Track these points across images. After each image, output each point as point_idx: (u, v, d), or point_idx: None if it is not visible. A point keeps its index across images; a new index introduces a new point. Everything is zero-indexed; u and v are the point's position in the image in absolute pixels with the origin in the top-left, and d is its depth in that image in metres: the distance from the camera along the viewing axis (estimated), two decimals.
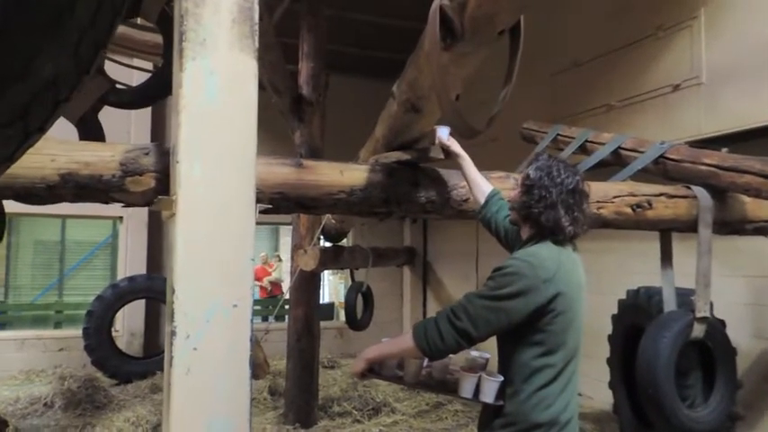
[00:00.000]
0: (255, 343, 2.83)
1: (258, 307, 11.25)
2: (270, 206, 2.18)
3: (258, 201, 1.91)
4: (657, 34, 5.31)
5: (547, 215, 1.89)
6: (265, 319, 10.41)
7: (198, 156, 1.74)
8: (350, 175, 2.47)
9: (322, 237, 5.29)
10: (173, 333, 1.70)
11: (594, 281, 6.04)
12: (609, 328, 4.88)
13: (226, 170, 1.78)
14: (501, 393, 1.96)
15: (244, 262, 1.81)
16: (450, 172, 2.74)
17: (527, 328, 1.85)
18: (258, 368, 2.89)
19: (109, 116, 4.19)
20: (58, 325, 9.33)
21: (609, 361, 4.89)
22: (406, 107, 2.07)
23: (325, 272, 12.96)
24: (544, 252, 1.89)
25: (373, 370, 2.10)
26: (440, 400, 6.21)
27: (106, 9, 0.58)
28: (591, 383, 6.06)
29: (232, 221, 1.79)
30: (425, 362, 2.14)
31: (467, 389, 2.06)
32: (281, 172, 2.35)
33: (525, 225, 2.00)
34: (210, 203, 1.76)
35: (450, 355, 2.04)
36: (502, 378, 1.95)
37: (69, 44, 0.58)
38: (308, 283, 5.46)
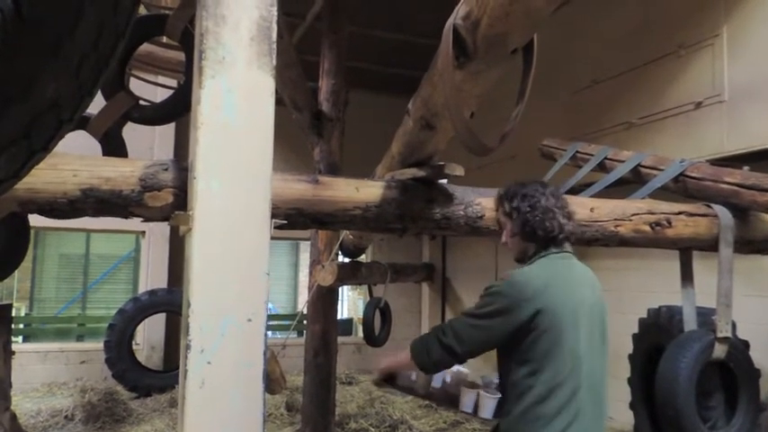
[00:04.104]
0: (272, 358, 2.85)
1: (276, 322, 11.31)
2: (285, 221, 2.21)
3: (274, 216, 1.94)
4: (679, 52, 5.29)
5: (548, 219, 1.97)
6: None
7: (215, 172, 1.78)
8: (365, 191, 2.49)
9: (340, 252, 5.31)
10: (187, 347, 1.73)
11: (615, 300, 6.04)
12: (629, 348, 4.81)
13: (242, 186, 1.81)
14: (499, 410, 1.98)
15: (259, 277, 1.83)
16: (465, 189, 2.75)
17: (515, 348, 1.89)
18: (275, 383, 2.88)
19: (133, 133, 4.29)
20: (80, 338, 9.48)
21: (630, 381, 4.81)
22: (420, 124, 2.08)
23: (345, 288, 13.02)
24: (534, 270, 1.95)
25: (388, 380, 2.23)
26: (458, 419, 6.13)
27: (108, 34, 0.61)
28: (612, 404, 5.92)
29: (247, 236, 1.82)
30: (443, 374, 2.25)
31: (467, 404, 2.14)
32: (298, 188, 2.38)
33: (528, 244, 2.05)
34: (226, 219, 1.79)
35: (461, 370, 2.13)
36: (499, 395, 2.01)
37: (70, 67, 0.60)
38: (325, 298, 5.46)
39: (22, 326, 9.98)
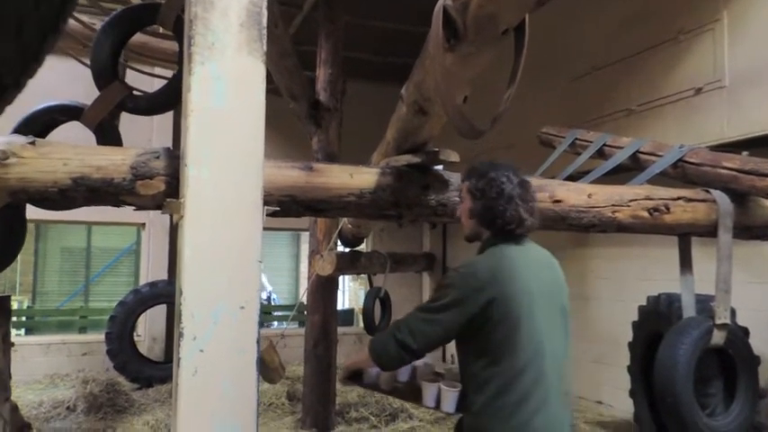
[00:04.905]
0: (271, 347, 2.84)
1: (280, 312, 11.33)
2: (277, 209, 2.20)
3: (267, 203, 1.93)
4: (678, 38, 5.24)
5: (510, 210, 1.90)
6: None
7: (205, 159, 1.76)
8: (359, 177, 2.48)
9: (339, 242, 5.30)
10: (180, 334, 1.72)
11: (615, 287, 6.04)
12: (629, 335, 4.80)
13: (233, 173, 1.79)
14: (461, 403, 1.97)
15: (251, 264, 1.82)
16: (461, 175, 2.73)
17: (471, 339, 1.86)
18: (274, 372, 2.88)
19: (131, 124, 4.27)
20: (82, 330, 9.50)
21: (629, 368, 4.80)
22: (413, 109, 2.07)
23: (345, 278, 13.02)
24: (485, 260, 1.92)
25: (352, 378, 2.25)
26: None
27: None
28: (611, 391, 5.97)
29: (239, 224, 1.81)
30: (407, 367, 2.30)
31: (428, 398, 2.21)
32: (291, 175, 2.36)
33: (483, 230, 2.00)
34: (218, 206, 1.78)
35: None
36: (459, 387, 1.97)
37: (8, 28, 0.58)
38: (324, 288, 5.47)
39: (24, 318, 10.01)
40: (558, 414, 1.83)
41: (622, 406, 5.50)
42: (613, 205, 3.03)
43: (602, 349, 6.16)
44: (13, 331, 8.72)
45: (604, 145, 4.25)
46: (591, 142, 4.38)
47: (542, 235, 6.65)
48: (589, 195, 3.00)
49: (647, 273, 5.60)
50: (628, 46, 5.76)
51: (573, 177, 3.56)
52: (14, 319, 9.32)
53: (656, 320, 4.40)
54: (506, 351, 1.79)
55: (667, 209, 3.15)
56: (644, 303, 4.68)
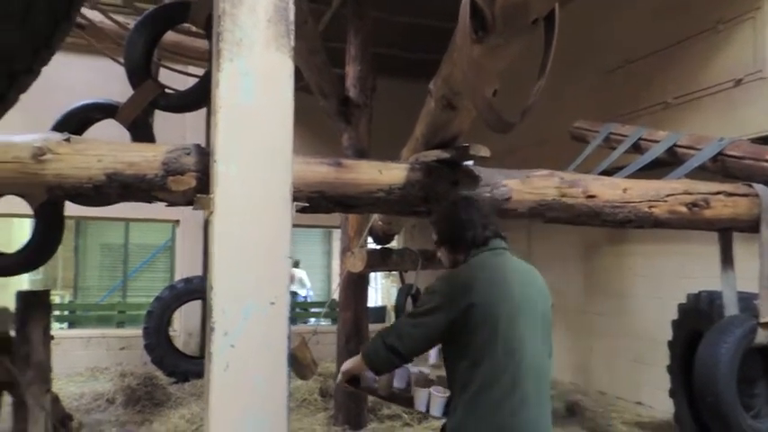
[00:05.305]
0: (303, 344, 2.86)
1: (317, 309, 11.39)
2: (306, 204, 2.20)
3: (296, 199, 1.93)
4: (717, 27, 5.08)
5: (468, 231, 2.08)
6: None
7: (234, 155, 1.77)
8: (389, 173, 2.47)
9: (370, 239, 5.29)
10: (211, 329, 1.73)
11: (653, 285, 5.89)
12: (668, 334, 4.68)
13: (262, 169, 1.80)
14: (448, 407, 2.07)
15: (280, 260, 1.83)
16: (491, 171, 2.69)
17: (454, 343, 1.97)
18: (306, 369, 2.90)
19: (165, 121, 4.34)
20: (120, 324, 9.72)
21: (669, 368, 4.68)
22: (442, 104, 2.04)
23: (378, 275, 13.02)
24: (466, 268, 2.05)
25: (350, 382, 2.40)
26: None
27: None
28: (650, 391, 5.83)
29: (269, 219, 1.81)
30: (400, 374, 2.48)
31: (419, 402, 2.35)
32: (320, 171, 2.36)
33: (456, 255, 2.14)
34: (247, 202, 1.79)
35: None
36: (448, 393, 2.07)
37: (14, 15, 0.58)
38: (356, 285, 5.48)
39: (66, 313, 10.31)
40: (535, 417, 1.90)
41: (662, 406, 5.37)
42: (650, 200, 2.94)
43: (640, 349, 6.03)
44: (56, 325, 9.01)
45: (640, 139, 4.14)
46: (626, 136, 4.28)
47: (576, 231, 6.59)
48: (624, 190, 2.93)
49: (686, 270, 5.45)
50: (663, 37, 5.60)
51: (607, 173, 3.47)
52: (57, 313, 9.62)
53: (697, 319, 4.27)
54: (486, 353, 1.88)
55: (707, 204, 3.05)
56: (684, 301, 4.55)
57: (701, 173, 3.53)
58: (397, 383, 2.54)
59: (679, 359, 4.56)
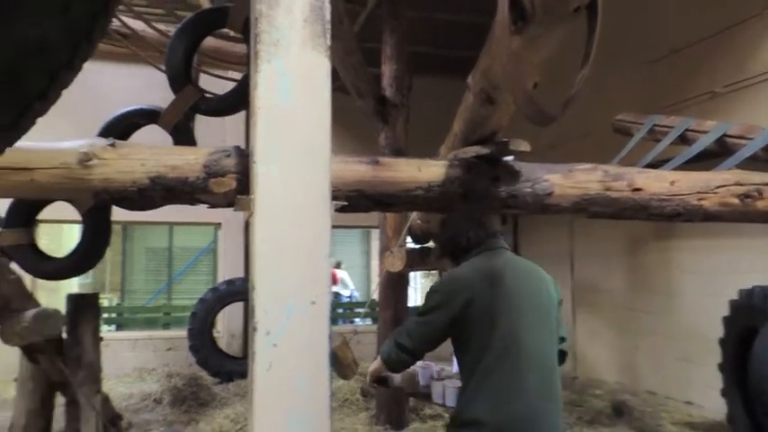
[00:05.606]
0: (344, 344, 2.88)
1: (361, 309, 11.45)
2: (346, 203, 2.20)
3: (335, 199, 1.92)
4: (764, 13, 4.88)
5: (459, 238, 2.26)
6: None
7: (274, 155, 1.78)
8: (427, 171, 2.44)
9: (409, 238, 5.27)
10: (254, 329, 1.74)
11: (701, 281, 5.70)
12: (719, 331, 4.52)
13: (301, 169, 1.80)
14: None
15: (321, 259, 1.83)
16: (532, 165, 2.64)
17: (458, 338, 2.10)
18: (347, 368, 2.92)
19: (206, 126, 4.43)
20: (166, 326, 9.95)
21: (721, 366, 4.53)
22: (481, 98, 2.01)
23: (417, 275, 12.97)
24: (464, 266, 2.20)
25: (379, 382, 2.57)
26: None
27: None
28: (701, 391, 5.64)
29: (309, 219, 1.81)
30: (424, 372, 2.65)
31: (436, 395, 2.54)
32: (358, 170, 2.36)
33: (458, 261, 2.28)
34: (287, 202, 1.79)
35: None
36: (459, 384, 2.19)
37: (55, 7, 0.58)
38: (395, 284, 5.47)
39: (114, 315, 10.61)
40: (537, 404, 1.99)
41: (713, 406, 5.19)
42: (699, 192, 2.83)
43: (689, 347, 5.84)
44: (104, 327, 9.27)
45: (687, 130, 4.01)
46: (672, 128, 4.14)
47: (620, 226, 6.43)
48: (672, 183, 2.83)
49: (737, 265, 5.25)
50: (710, 24, 5.42)
51: (653, 166, 3.37)
52: (105, 315, 9.91)
53: (751, 315, 4.12)
54: (486, 346, 2.01)
55: (760, 194, 2.92)
56: (735, 297, 4.39)
57: (752, 163, 3.39)
58: (422, 381, 2.67)
59: (731, 357, 4.41)
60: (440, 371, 2.67)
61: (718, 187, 2.87)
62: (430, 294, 2.16)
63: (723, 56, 5.31)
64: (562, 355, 2.27)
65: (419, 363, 2.64)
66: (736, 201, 2.88)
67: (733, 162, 3.27)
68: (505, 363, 1.98)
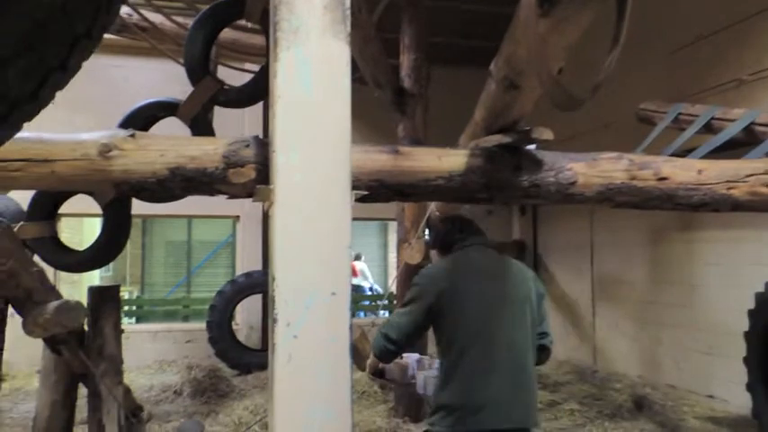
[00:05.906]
0: (362, 336, 2.89)
1: (384, 302, 11.46)
2: (366, 192, 2.17)
3: (355, 188, 1.90)
4: None
5: (446, 236, 2.47)
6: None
7: (294, 144, 1.75)
8: (448, 160, 2.41)
9: (427, 230, 5.25)
10: (274, 320, 1.72)
11: (725, 273, 5.59)
12: (744, 324, 4.43)
13: (322, 158, 1.77)
14: None
15: (341, 250, 1.80)
16: (555, 154, 2.59)
17: (435, 327, 2.25)
18: (365, 360, 2.93)
19: (224, 117, 4.42)
20: (185, 318, 10.04)
21: (746, 360, 4.44)
22: (504, 85, 1.96)
23: None
24: (441, 261, 2.42)
25: (377, 374, 2.68)
26: (554, 399, 5.95)
27: None
28: (725, 385, 5.54)
29: (329, 209, 1.79)
30: (413, 363, 2.73)
31: (419, 386, 2.64)
32: (378, 159, 2.33)
33: (443, 255, 2.48)
34: (307, 192, 1.76)
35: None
36: (436, 374, 2.34)
37: None
38: (413, 276, 5.43)
39: (134, 308, 10.72)
40: (508, 388, 2.12)
41: (737, 400, 5.10)
42: (728, 181, 2.76)
43: (712, 340, 5.74)
44: (125, 320, 9.39)
45: (713, 118, 3.92)
46: (697, 116, 4.05)
47: (642, 217, 6.32)
48: (699, 171, 2.76)
49: (762, 257, 5.14)
50: (737, 10, 5.28)
51: (677, 155, 3.29)
52: (125, 308, 10.02)
53: None
54: (456, 332, 2.17)
55: None
56: (761, 290, 4.30)
57: None
58: (411, 371, 2.78)
59: (757, 351, 4.33)
60: (430, 362, 2.77)
61: (747, 176, 2.79)
62: (411, 287, 2.32)
63: (750, 43, 5.18)
64: (544, 350, 2.37)
65: (413, 356, 2.82)
66: (766, 190, 2.80)
67: (763, 150, 3.19)
68: (472, 350, 2.14)
